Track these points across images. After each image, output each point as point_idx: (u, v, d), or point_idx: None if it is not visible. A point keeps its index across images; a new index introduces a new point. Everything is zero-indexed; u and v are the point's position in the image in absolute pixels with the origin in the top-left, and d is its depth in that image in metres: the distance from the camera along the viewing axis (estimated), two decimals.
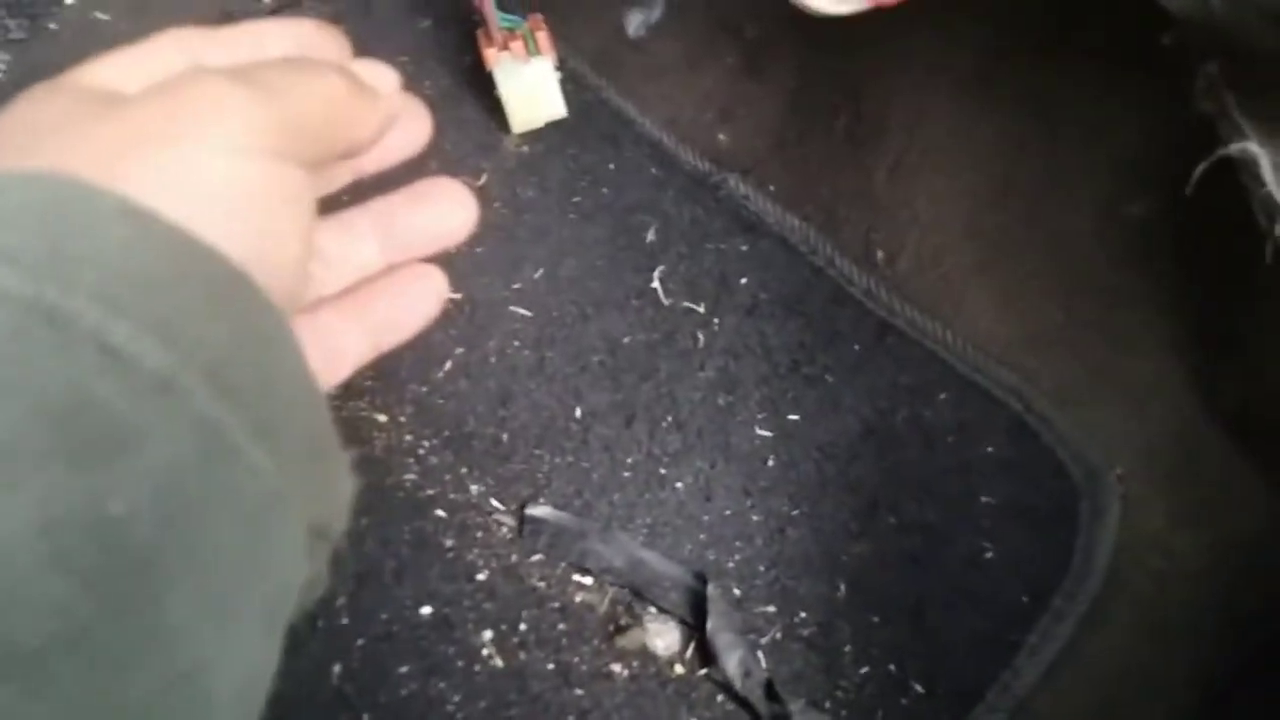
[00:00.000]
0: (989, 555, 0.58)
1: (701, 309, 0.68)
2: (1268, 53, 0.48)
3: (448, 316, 0.67)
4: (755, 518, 0.62)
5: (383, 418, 0.62)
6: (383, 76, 0.33)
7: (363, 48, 0.75)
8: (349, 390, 0.63)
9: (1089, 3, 0.58)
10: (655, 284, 0.69)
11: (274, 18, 0.33)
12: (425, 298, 0.35)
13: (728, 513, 0.62)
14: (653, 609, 0.60)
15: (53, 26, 0.71)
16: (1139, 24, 0.56)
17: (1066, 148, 0.60)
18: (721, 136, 0.75)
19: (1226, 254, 0.51)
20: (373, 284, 0.34)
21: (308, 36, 0.33)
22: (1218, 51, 0.53)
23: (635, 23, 0.56)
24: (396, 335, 0.34)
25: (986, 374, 0.59)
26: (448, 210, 0.36)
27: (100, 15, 0.72)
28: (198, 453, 0.21)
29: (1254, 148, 0.48)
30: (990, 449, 0.59)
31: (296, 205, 0.27)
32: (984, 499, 0.58)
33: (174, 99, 0.26)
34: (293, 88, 0.28)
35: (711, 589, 0.59)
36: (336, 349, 0.32)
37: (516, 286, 0.68)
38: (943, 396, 0.60)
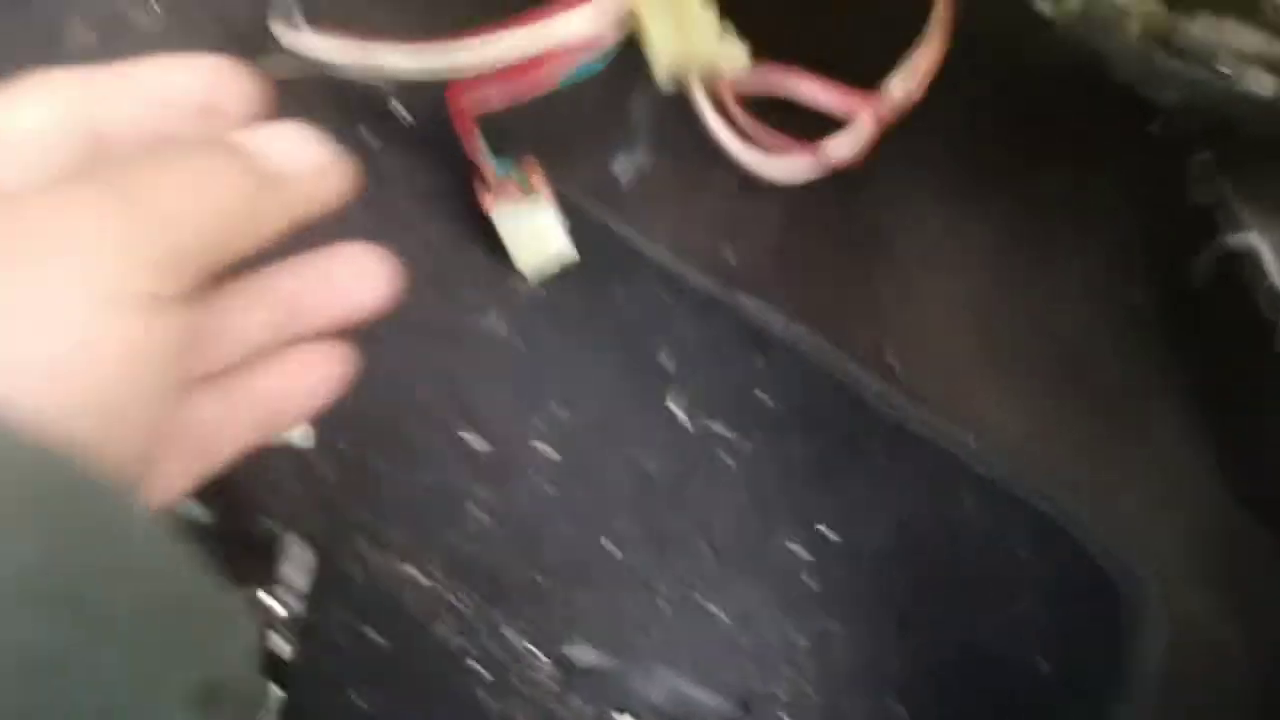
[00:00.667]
0: (1039, 665, 0.56)
1: (724, 429, 0.69)
2: (1262, 141, 0.49)
3: (473, 461, 0.68)
4: (797, 638, 0.62)
5: (416, 572, 0.63)
6: (298, 147, 0.28)
7: (367, 201, 0.78)
8: (382, 548, 0.64)
9: (1071, 94, 0.59)
10: (677, 409, 0.70)
11: (167, 56, 0.29)
12: (321, 380, 0.31)
13: (768, 636, 0.62)
14: None
15: None
16: (1124, 113, 0.56)
17: (1062, 241, 0.60)
18: (727, 253, 0.76)
19: (1236, 341, 0.51)
20: (263, 363, 0.30)
21: (208, 79, 0.29)
22: (1210, 140, 0.53)
23: (625, 168, 0.57)
24: (286, 421, 0.30)
25: (1009, 475, 0.59)
26: (354, 281, 0.32)
27: None
28: (15, 673, 0.18)
29: (1255, 239, 0.48)
30: (1021, 552, 0.58)
31: (166, 361, 0.23)
32: (1019, 603, 0.57)
33: (16, 227, 0.21)
34: (178, 200, 0.23)
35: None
36: (211, 439, 0.29)
37: (541, 426, 0.69)
38: (968, 501, 0.60)
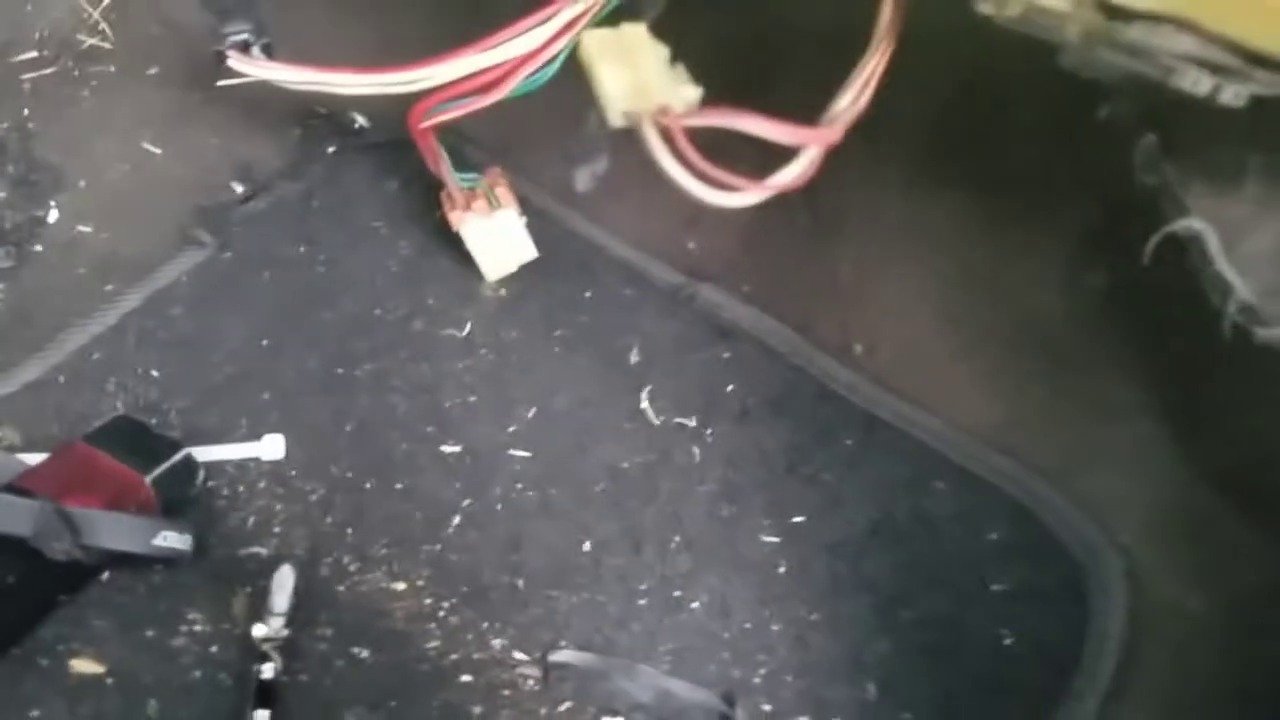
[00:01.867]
0: (1008, 642, 0.58)
1: (693, 423, 0.69)
2: (1204, 127, 0.49)
3: (450, 469, 0.68)
4: (775, 627, 0.63)
5: (401, 585, 0.64)
6: None
7: (336, 216, 0.78)
8: (366, 562, 0.64)
9: (1021, 85, 0.59)
10: (645, 404, 0.71)
11: None
12: None
13: (747, 626, 0.63)
14: None
15: (38, 248, 0.74)
16: (1073, 100, 0.56)
17: (1019, 226, 0.61)
18: (691, 245, 0.76)
19: (1188, 322, 0.51)
20: None
21: None
22: (1154, 124, 0.53)
23: (583, 179, 0.57)
24: None
25: (979, 459, 0.60)
26: None
27: (83, 228, 0.75)
28: None
29: (1197, 224, 0.48)
30: (994, 535, 0.59)
31: None
32: (994, 586, 0.58)
33: None
34: None
35: (740, 712, 0.59)
36: None
37: (512, 429, 0.70)
38: (940, 486, 0.61)
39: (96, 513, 0.54)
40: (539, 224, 0.74)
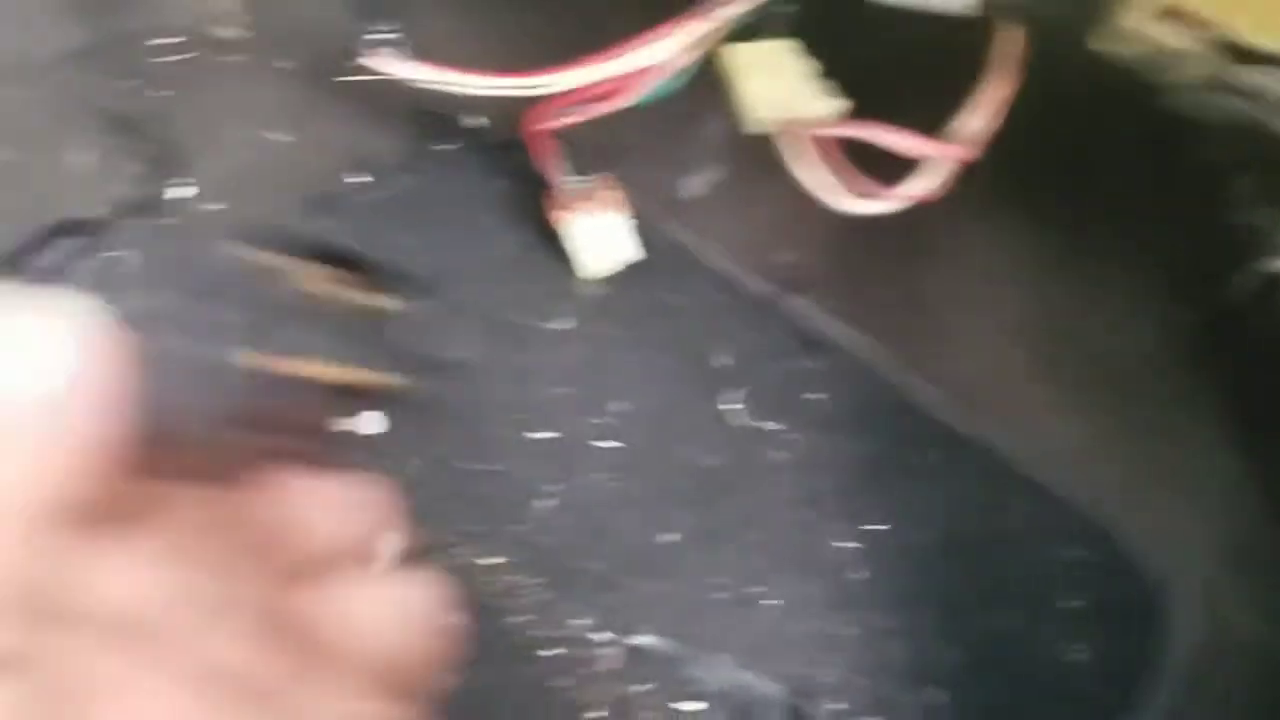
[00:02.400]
0: (1076, 658, 0.59)
1: (776, 427, 0.72)
2: None
3: (540, 455, 0.72)
4: (848, 631, 0.65)
5: (489, 562, 0.67)
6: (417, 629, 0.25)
7: (447, 209, 0.82)
8: (457, 538, 0.68)
9: (1116, 115, 0.61)
10: (731, 407, 0.73)
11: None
12: None
13: (820, 628, 0.65)
14: None
15: (171, 221, 0.79)
16: (1169, 134, 0.59)
17: (1105, 258, 0.63)
18: (782, 259, 0.79)
19: (1274, 361, 0.53)
20: None
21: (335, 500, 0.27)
22: (1250, 163, 0.55)
23: (695, 184, 0.61)
24: None
25: (1057, 480, 0.62)
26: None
27: (213, 206, 0.80)
28: None
29: None
30: (1067, 554, 0.61)
31: None
32: (1066, 603, 0.60)
33: None
34: None
35: (812, 709, 0.61)
36: None
37: (601, 421, 0.73)
38: (1017, 503, 0.63)
39: None
40: (640, 228, 0.77)
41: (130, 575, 0.22)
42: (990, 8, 0.53)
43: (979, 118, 0.48)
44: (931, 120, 0.52)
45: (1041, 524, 0.62)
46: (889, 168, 0.52)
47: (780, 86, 0.46)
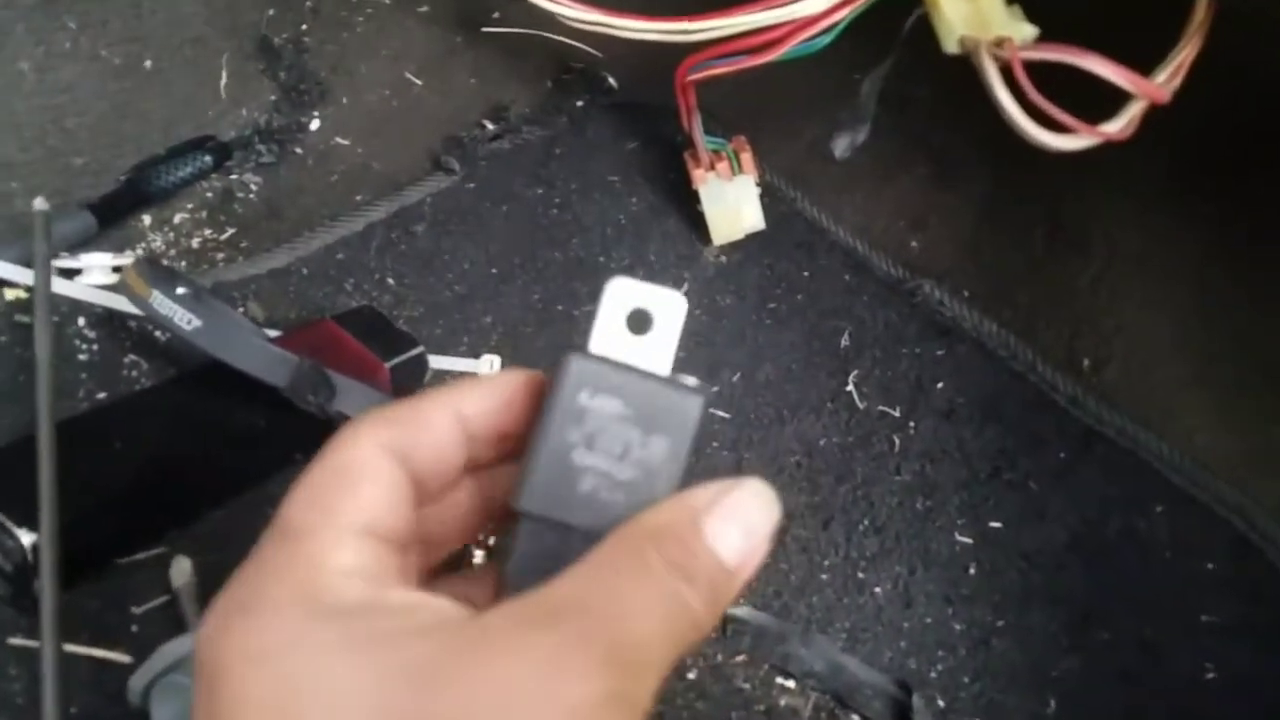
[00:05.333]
0: (1210, 676, 0.55)
1: (897, 413, 0.69)
2: None
3: None
4: (957, 626, 0.62)
5: None
6: (751, 530, 0.26)
7: (575, 165, 0.81)
8: None
9: None
10: (850, 388, 0.71)
11: (462, 384, 0.28)
12: None
13: (928, 620, 0.62)
14: (856, 716, 0.60)
15: (298, 151, 0.79)
16: None
17: (1271, 259, 0.59)
18: (914, 244, 0.76)
19: None
20: None
21: (501, 399, 0.28)
22: None
23: (842, 145, 0.59)
24: None
25: (1205, 488, 0.58)
26: None
27: (341, 140, 0.80)
28: None
29: None
30: (1211, 566, 0.57)
31: None
32: (1204, 618, 0.56)
33: (477, 673, 0.21)
34: (625, 613, 0.23)
35: (917, 699, 0.58)
36: None
37: (715, 389, 0.71)
38: (1158, 509, 0.59)
39: (348, 379, 0.56)
40: (768, 199, 0.75)
41: None
42: None
43: (1167, 73, 0.46)
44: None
45: (1183, 534, 0.58)
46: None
47: (980, 6, 0.44)
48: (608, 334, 0.27)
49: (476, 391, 0.28)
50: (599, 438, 0.27)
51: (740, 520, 0.26)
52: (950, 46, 0.46)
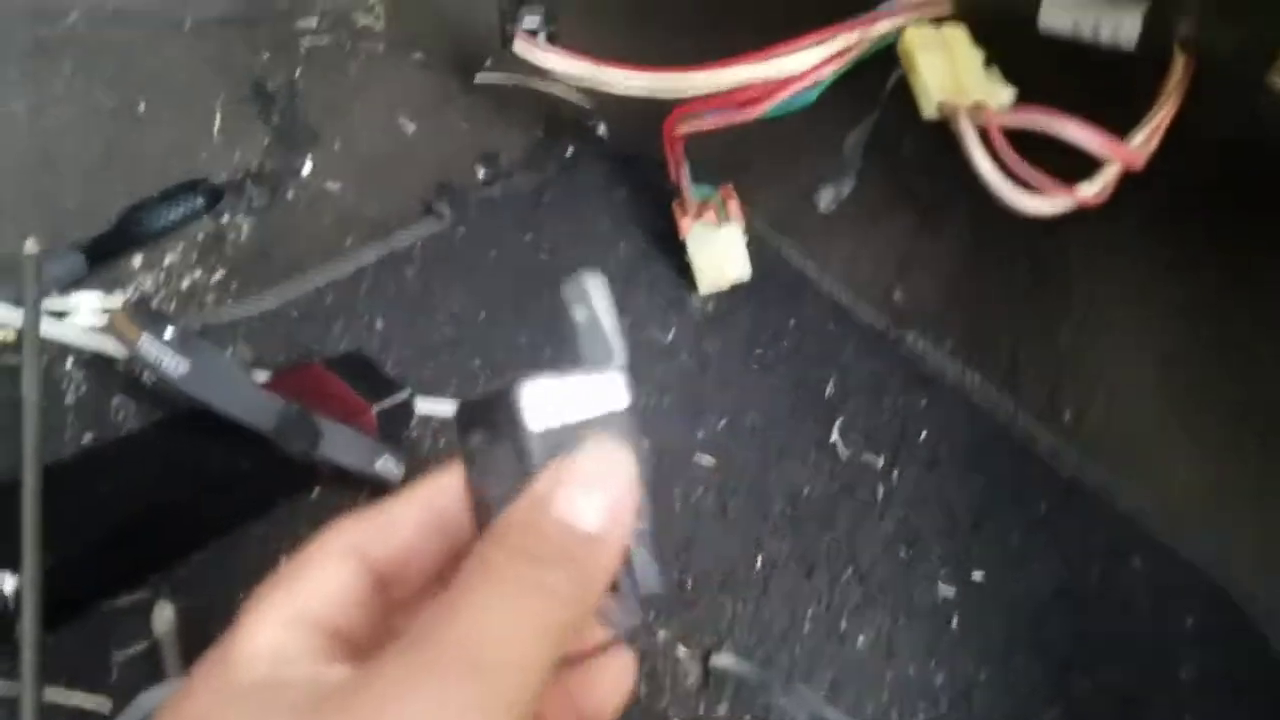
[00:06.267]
0: None
1: (881, 462, 0.70)
2: None
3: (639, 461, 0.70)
4: (940, 678, 0.62)
5: None
6: (603, 491, 0.25)
7: (565, 212, 0.82)
8: None
9: (1266, 170, 0.59)
10: (835, 436, 0.71)
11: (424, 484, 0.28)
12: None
13: (911, 671, 0.62)
14: None
15: (290, 195, 0.80)
16: None
17: (1251, 309, 0.60)
18: (898, 293, 0.77)
19: None
20: None
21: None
22: None
23: (827, 198, 0.60)
24: None
25: (1185, 539, 0.58)
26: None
27: (332, 184, 0.81)
28: None
29: None
30: (1190, 618, 0.58)
31: None
32: (1184, 669, 0.57)
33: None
34: (515, 650, 0.23)
35: None
36: None
37: (701, 435, 0.71)
38: (1137, 561, 0.60)
39: (335, 423, 0.57)
40: (755, 247, 0.76)
41: None
42: (1158, 44, 0.51)
43: (1143, 136, 0.47)
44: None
45: (1163, 585, 0.59)
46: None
47: (957, 71, 0.45)
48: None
49: (447, 482, 0.28)
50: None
51: (586, 483, 0.25)
52: (929, 112, 0.47)
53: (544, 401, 0.26)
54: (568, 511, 0.25)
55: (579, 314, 0.28)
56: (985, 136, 0.44)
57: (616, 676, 0.29)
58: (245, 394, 0.55)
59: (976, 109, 0.44)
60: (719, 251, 0.73)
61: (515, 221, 0.79)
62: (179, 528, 0.55)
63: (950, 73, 0.44)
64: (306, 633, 0.26)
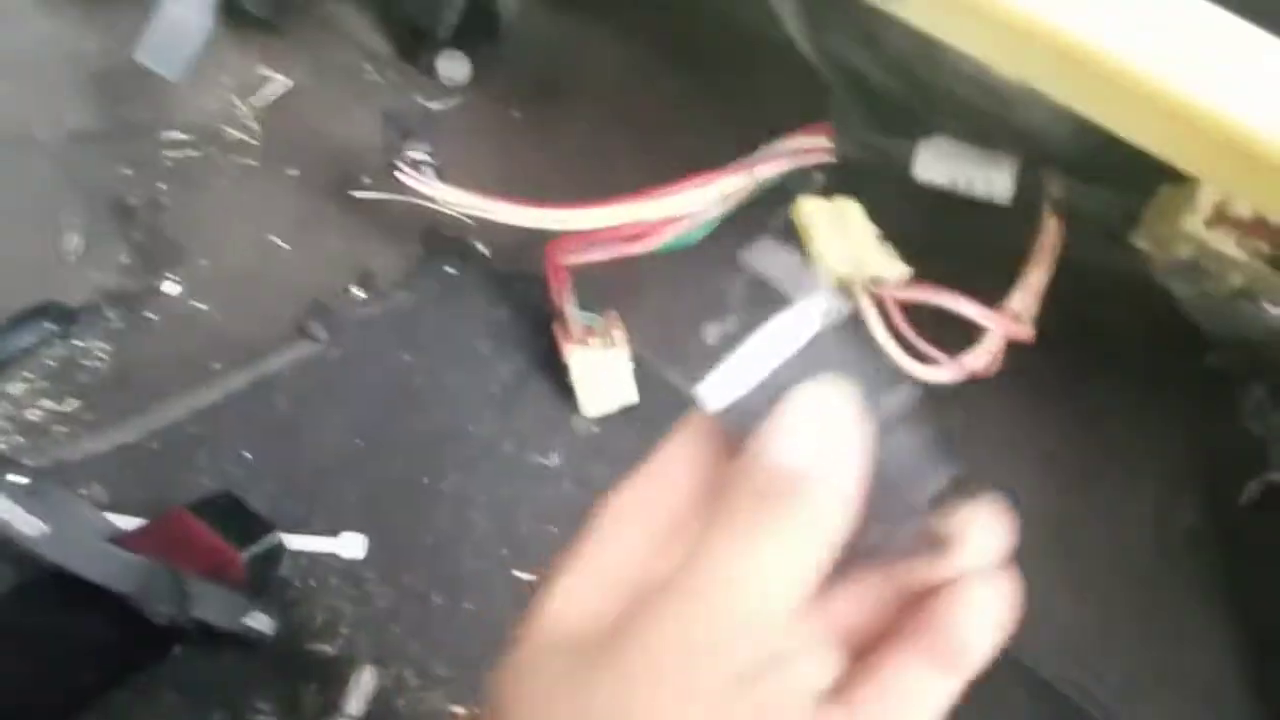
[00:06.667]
0: None
1: None
2: None
3: (520, 595, 0.68)
4: None
5: (460, 710, 0.63)
6: (808, 432, 0.26)
7: (445, 332, 0.80)
8: (427, 680, 0.63)
9: (1133, 320, 0.63)
10: None
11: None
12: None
13: None
14: None
15: (152, 316, 0.76)
16: (1184, 342, 0.60)
17: (1117, 456, 0.64)
18: None
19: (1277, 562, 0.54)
20: None
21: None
22: (1265, 375, 0.57)
23: (714, 334, 0.60)
24: None
25: (1060, 673, 0.60)
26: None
27: (198, 304, 0.77)
28: None
29: None
30: None
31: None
32: None
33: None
34: (761, 583, 0.24)
35: None
36: None
37: None
38: (1019, 693, 0.61)
39: (203, 581, 0.53)
40: (640, 372, 0.76)
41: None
42: (1029, 199, 0.54)
43: (1020, 299, 0.49)
44: (976, 295, 0.53)
45: (1042, 717, 0.60)
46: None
47: (854, 245, 0.46)
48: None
49: None
50: None
51: (786, 428, 0.26)
52: (827, 283, 0.48)
53: (719, 384, 0.27)
54: (775, 457, 0.25)
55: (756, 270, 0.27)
56: (882, 308, 0.45)
57: (976, 600, 0.27)
58: (106, 555, 0.51)
59: (873, 283, 0.46)
60: (604, 375, 0.73)
61: (394, 342, 0.77)
62: (34, 705, 0.50)
63: (846, 247, 0.46)
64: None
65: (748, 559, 0.25)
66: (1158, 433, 0.63)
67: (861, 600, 0.28)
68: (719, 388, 0.27)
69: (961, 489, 0.27)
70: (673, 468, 0.29)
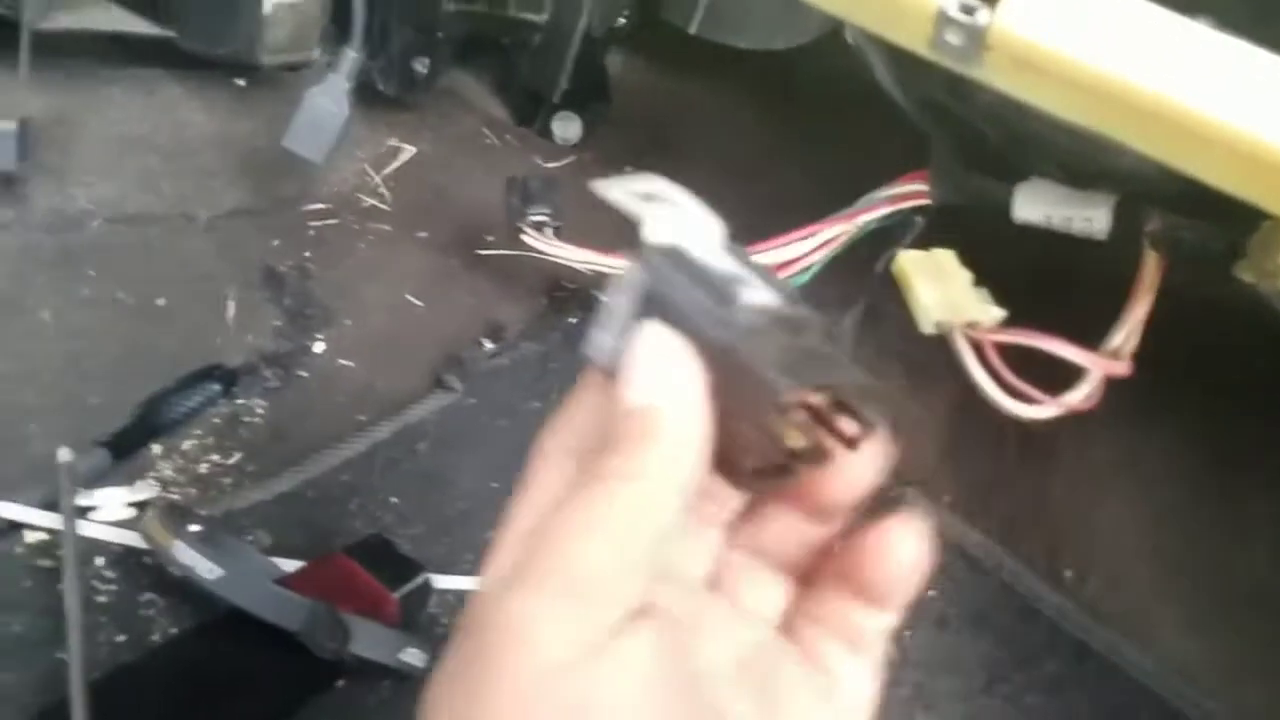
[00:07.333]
0: None
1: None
2: None
3: None
4: None
5: None
6: (656, 372, 0.28)
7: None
8: None
9: (1236, 355, 0.63)
10: None
11: None
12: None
13: None
14: None
15: (303, 374, 0.82)
16: None
17: (1234, 472, 0.63)
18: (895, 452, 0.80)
19: None
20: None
21: None
22: None
23: None
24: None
25: (1190, 701, 0.60)
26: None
27: (344, 362, 0.83)
28: None
29: None
30: None
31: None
32: None
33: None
34: (603, 556, 0.26)
35: None
36: None
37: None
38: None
39: (361, 619, 0.58)
40: None
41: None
42: (1128, 235, 0.55)
43: (1123, 335, 0.50)
44: (1075, 333, 0.54)
45: None
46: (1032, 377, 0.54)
47: (950, 292, 0.49)
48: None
49: None
50: None
51: (636, 361, 0.28)
52: (927, 328, 0.51)
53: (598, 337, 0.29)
54: (620, 402, 0.28)
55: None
56: (979, 351, 0.47)
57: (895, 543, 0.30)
58: (275, 595, 0.56)
59: (970, 326, 0.48)
60: None
61: (523, 390, 0.82)
62: None
63: (943, 293, 0.48)
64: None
65: (602, 504, 0.27)
66: (1272, 463, 0.63)
67: (788, 531, 0.31)
68: (598, 340, 0.29)
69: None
70: (578, 416, 0.31)
